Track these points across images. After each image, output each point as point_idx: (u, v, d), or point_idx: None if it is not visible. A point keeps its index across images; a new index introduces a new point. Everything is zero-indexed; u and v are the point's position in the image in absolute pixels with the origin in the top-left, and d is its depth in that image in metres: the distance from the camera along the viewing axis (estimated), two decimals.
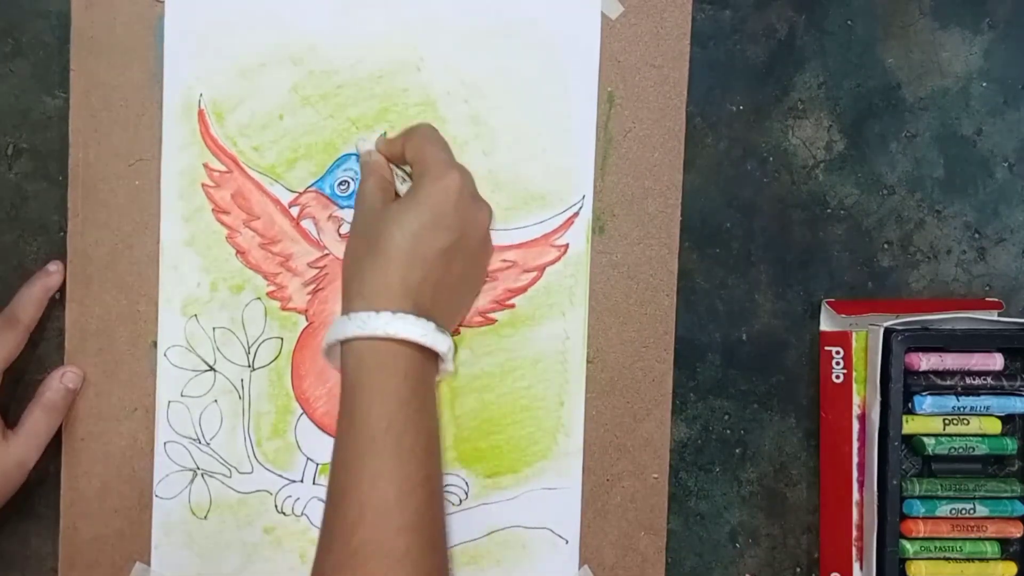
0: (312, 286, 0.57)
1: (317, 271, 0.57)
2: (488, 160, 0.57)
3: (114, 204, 0.56)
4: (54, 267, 0.56)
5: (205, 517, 0.57)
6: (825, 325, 0.59)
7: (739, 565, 0.60)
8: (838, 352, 0.59)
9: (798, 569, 0.60)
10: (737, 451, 0.60)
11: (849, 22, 0.59)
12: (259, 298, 0.57)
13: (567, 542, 0.58)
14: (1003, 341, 0.58)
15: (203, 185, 0.57)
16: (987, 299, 0.60)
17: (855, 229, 0.60)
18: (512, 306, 0.58)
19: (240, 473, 0.57)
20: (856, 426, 0.59)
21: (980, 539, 0.58)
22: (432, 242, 0.51)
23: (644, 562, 0.58)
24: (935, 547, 0.58)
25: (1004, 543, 0.58)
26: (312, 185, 0.57)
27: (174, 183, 0.57)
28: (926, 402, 0.57)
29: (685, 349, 0.59)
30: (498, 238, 0.58)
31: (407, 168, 0.55)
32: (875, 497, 0.57)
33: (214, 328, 0.57)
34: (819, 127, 0.59)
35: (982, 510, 0.58)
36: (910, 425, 0.57)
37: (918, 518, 0.57)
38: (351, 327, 0.50)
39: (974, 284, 0.60)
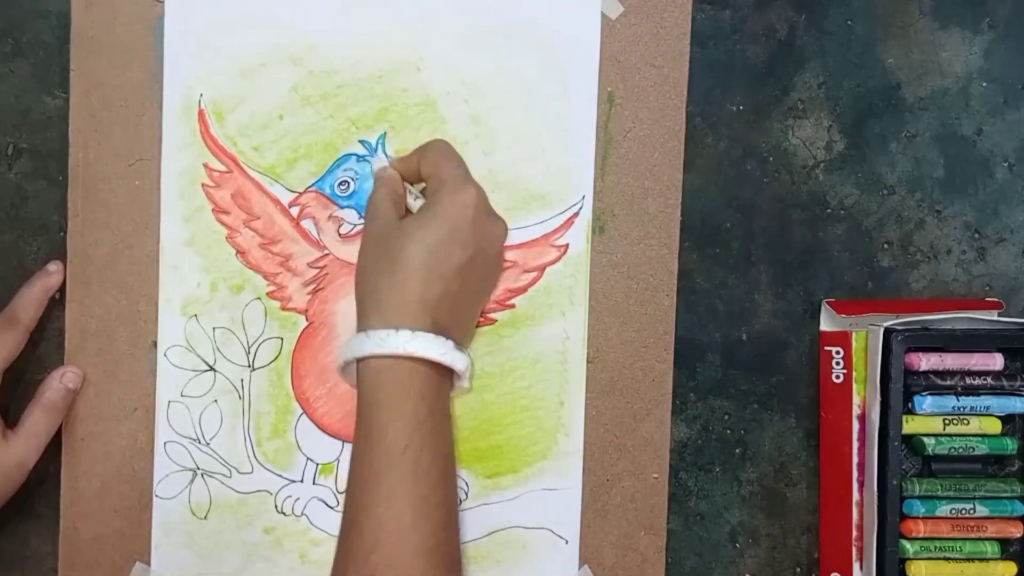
0: (312, 286, 0.57)
1: (317, 271, 0.57)
2: (488, 160, 0.57)
3: (114, 204, 0.56)
4: (54, 267, 0.56)
5: (205, 517, 0.57)
6: (825, 325, 0.59)
7: (739, 565, 0.60)
8: (838, 352, 0.59)
9: (798, 569, 0.60)
10: (737, 451, 0.60)
11: (849, 22, 0.59)
12: (259, 298, 0.57)
13: (567, 542, 0.58)
14: (1003, 341, 0.58)
15: (203, 185, 0.57)
16: (987, 299, 0.60)
17: (855, 229, 0.60)
18: (512, 306, 0.58)
19: (240, 473, 0.57)
20: (856, 426, 0.59)
21: (980, 539, 0.58)
22: (449, 258, 0.50)
23: (644, 562, 0.58)
24: (935, 547, 0.58)
25: (1004, 543, 0.58)
26: (312, 185, 0.57)
27: (174, 183, 0.57)
28: (926, 402, 0.57)
29: (685, 349, 0.59)
30: None
31: (420, 186, 0.55)
32: (875, 497, 0.57)
33: (214, 328, 0.57)
34: (819, 127, 0.59)
35: (982, 510, 0.58)
36: (910, 425, 0.57)
37: (918, 518, 0.57)
38: (369, 345, 0.49)
39: (974, 284, 0.60)
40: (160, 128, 0.56)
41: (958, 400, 0.58)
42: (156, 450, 0.57)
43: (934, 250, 0.60)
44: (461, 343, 0.52)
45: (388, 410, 0.49)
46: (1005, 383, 0.58)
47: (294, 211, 0.57)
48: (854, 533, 0.59)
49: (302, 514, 0.57)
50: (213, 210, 0.57)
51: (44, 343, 0.57)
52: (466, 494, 0.58)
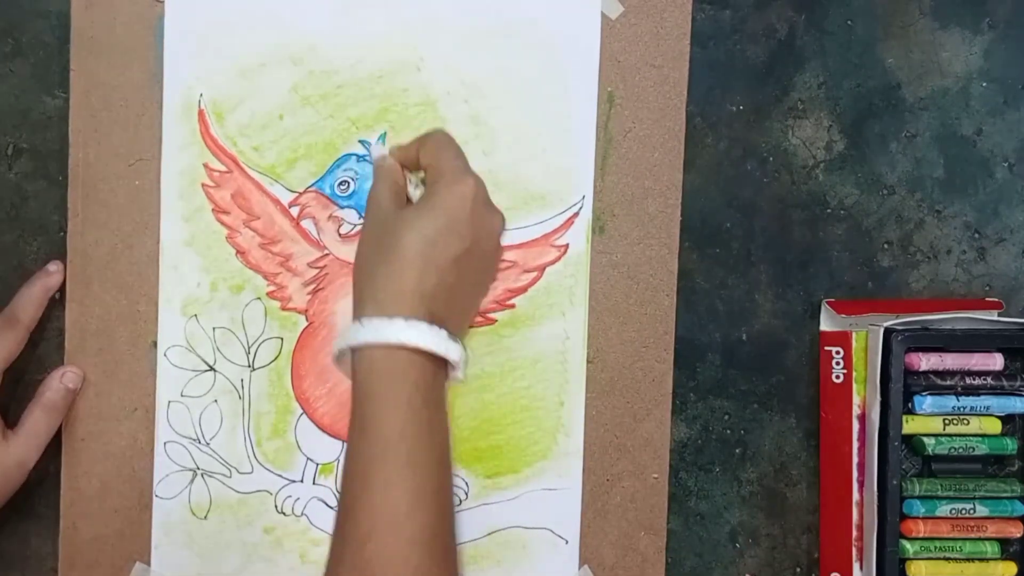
0: (312, 286, 0.57)
1: (317, 271, 0.57)
2: (488, 160, 0.57)
3: (114, 204, 0.56)
4: (54, 267, 0.56)
5: (205, 517, 0.57)
6: (825, 325, 0.59)
7: (739, 565, 0.60)
8: (838, 352, 0.59)
9: (798, 569, 0.60)
10: (737, 451, 0.60)
11: (849, 22, 0.59)
12: (259, 298, 0.57)
13: (567, 542, 0.58)
14: (1003, 341, 0.58)
15: (203, 185, 0.57)
16: (987, 299, 0.60)
17: (855, 229, 0.60)
18: (512, 306, 0.58)
19: (240, 473, 0.57)
20: (856, 426, 0.59)
21: (980, 539, 0.58)
22: (447, 248, 0.50)
23: (644, 562, 0.58)
24: (935, 547, 0.58)
25: (1004, 543, 0.58)
26: (312, 185, 0.57)
27: (174, 183, 0.57)
28: (926, 402, 0.57)
29: (685, 349, 0.59)
30: None
31: (420, 174, 0.55)
32: (875, 497, 0.57)
33: (214, 328, 0.57)
34: (819, 127, 0.59)
35: (982, 510, 0.58)
36: (910, 425, 0.57)
37: (918, 518, 0.58)
38: (363, 334, 0.49)
39: (974, 284, 0.60)
40: (160, 128, 0.56)
41: (958, 400, 0.58)
42: (156, 450, 0.57)
43: (934, 250, 0.60)
44: (457, 334, 0.52)
45: (382, 399, 0.49)
46: (1005, 383, 0.58)
47: (294, 211, 0.57)
48: (854, 533, 0.59)
49: (302, 514, 0.57)
50: (213, 210, 0.57)
51: (44, 343, 0.57)
52: (466, 494, 0.58)
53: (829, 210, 0.60)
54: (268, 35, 0.57)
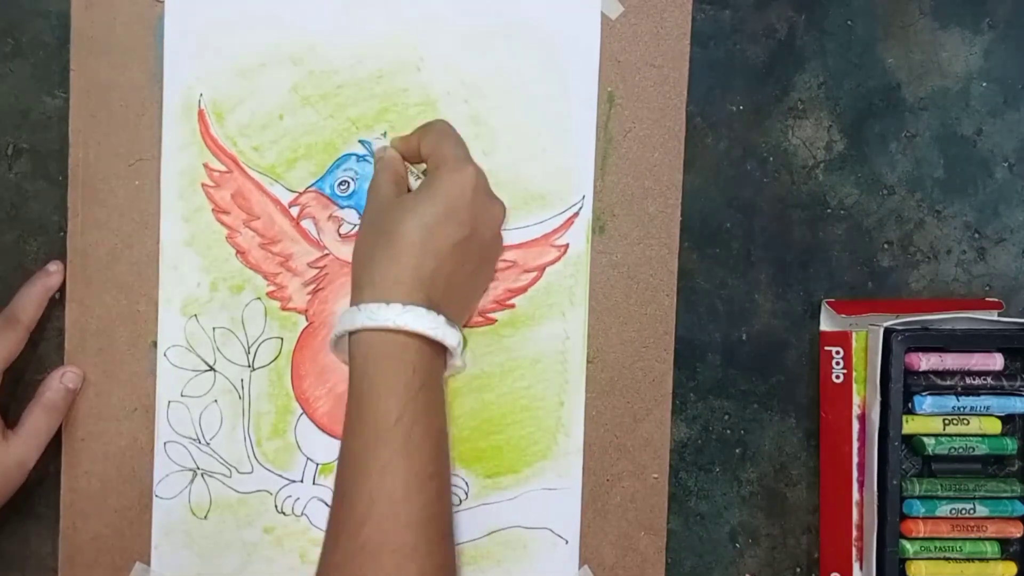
0: (312, 286, 0.57)
1: (317, 271, 0.57)
2: (488, 160, 0.57)
3: (114, 204, 0.56)
4: (54, 267, 0.56)
5: (205, 517, 0.57)
6: (825, 325, 0.59)
7: (739, 565, 0.60)
8: (838, 352, 0.59)
9: (798, 569, 0.60)
10: (737, 451, 0.60)
11: (849, 22, 0.59)
12: (259, 298, 0.57)
13: (567, 542, 0.58)
14: (1003, 341, 0.58)
15: (203, 185, 0.57)
16: (987, 299, 0.60)
17: (855, 229, 0.60)
18: (512, 306, 0.58)
19: (240, 473, 0.57)
20: (856, 426, 0.59)
21: (980, 539, 0.58)
22: (445, 235, 0.51)
23: (644, 562, 0.58)
24: (935, 547, 0.58)
25: (1004, 543, 0.58)
26: (312, 185, 0.57)
27: (174, 183, 0.57)
28: (926, 402, 0.57)
29: (685, 349, 0.59)
30: None
31: (421, 167, 0.55)
32: (875, 497, 0.57)
33: (214, 328, 0.57)
34: (819, 127, 0.59)
35: (982, 510, 0.58)
36: (910, 425, 0.57)
37: (918, 518, 0.57)
38: (360, 318, 0.49)
39: (974, 284, 0.60)
40: (160, 128, 0.56)
41: (958, 400, 0.58)
42: (156, 450, 0.57)
43: (934, 250, 0.60)
44: (456, 321, 0.52)
45: (379, 384, 0.49)
46: (1005, 383, 0.58)
47: (294, 211, 0.57)
48: (854, 533, 0.59)
49: (302, 514, 0.57)
50: (213, 210, 0.57)
51: (44, 343, 0.57)
52: (466, 494, 0.58)
53: (829, 210, 0.60)
54: (268, 35, 0.57)
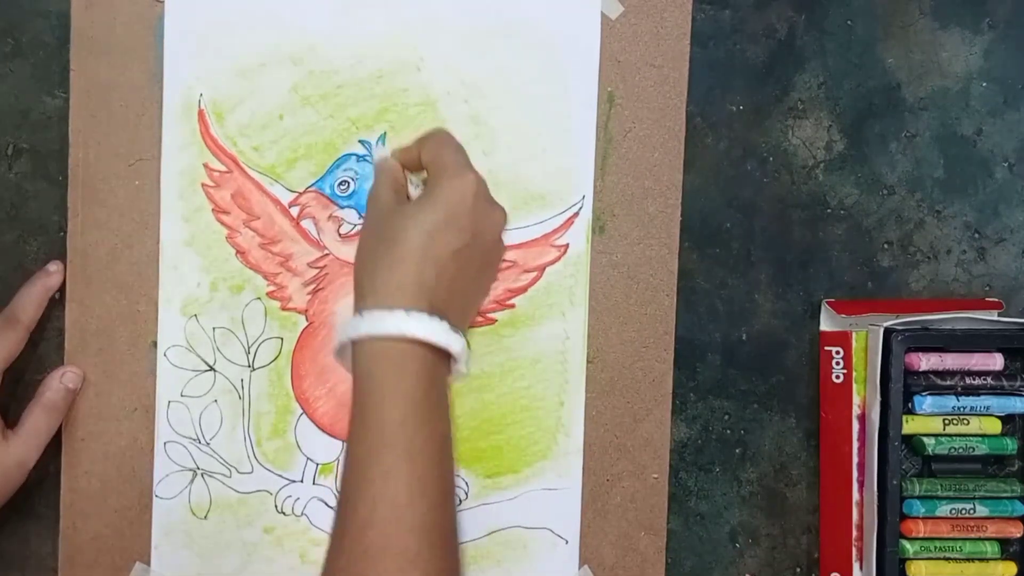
0: (312, 286, 0.57)
1: (317, 271, 0.57)
2: (488, 160, 0.57)
3: (114, 204, 0.56)
4: (54, 267, 0.56)
5: (205, 517, 0.57)
6: (825, 325, 0.59)
7: (739, 565, 0.60)
8: (838, 352, 0.59)
9: (798, 569, 0.60)
10: (737, 451, 0.60)
11: (849, 22, 0.59)
12: (259, 298, 0.57)
13: (567, 542, 0.58)
14: (1003, 341, 0.58)
15: (203, 185, 0.57)
16: (987, 299, 0.60)
17: (855, 229, 0.60)
18: (512, 306, 0.58)
19: (240, 473, 0.57)
20: (856, 426, 0.59)
21: (980, 539, 0.58)
22: (447, 241, 0.51)
23: (644, 562, 0.58)
24: (935, 547, 0.58)
25: (1004, 543, 0.58)
26: (312, 185, 0.57)
27: (174, 183, 0.57)
28: (926, 402, 0.57)
29: (685, 349, 0.59)
30: None
31: (421, 175, 0.55)
32: (875, 497, 0.57)
33: (214, 328, 0.57)
34: (819, 127, 0.59)
35: (982, 510, 0.58)
36: (910, 425, 0.57)
37: (918, 518, 0.58)
38: (363, 326, 0.49)
39: (974, 284, 0.60)
40: (160, 128, 0.56)
41: (958, 400, 0.58)
42: (156, 450, 0.57)
43: (934, 250, 0.60)
44: (459, 327, 0.52)
45: (383, 391, 0.49)
46: (1005, 383, 0.58)
47: (294, 211, 0.57)
48: (854, 533, 0.59)
49: (302, 514, 0.57)
50: (213, 210, 0.57)
51: (44, 343, 0.57)
52: (466, 494, 0.58)
53: (829, 210, 0.60)
54: (268, 35, 0.57)
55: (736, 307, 0.59)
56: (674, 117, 0.58)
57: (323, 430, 0.57)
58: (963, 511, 0.58)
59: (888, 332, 0.57)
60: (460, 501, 0.58)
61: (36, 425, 0.54)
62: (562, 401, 0.58)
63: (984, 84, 0.60)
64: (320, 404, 0.57)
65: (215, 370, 0.57)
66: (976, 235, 0.60)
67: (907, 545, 0.57)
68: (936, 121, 0.60)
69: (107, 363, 0.56)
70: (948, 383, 0.58)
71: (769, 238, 0.59)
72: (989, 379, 0.58)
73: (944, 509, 0.58)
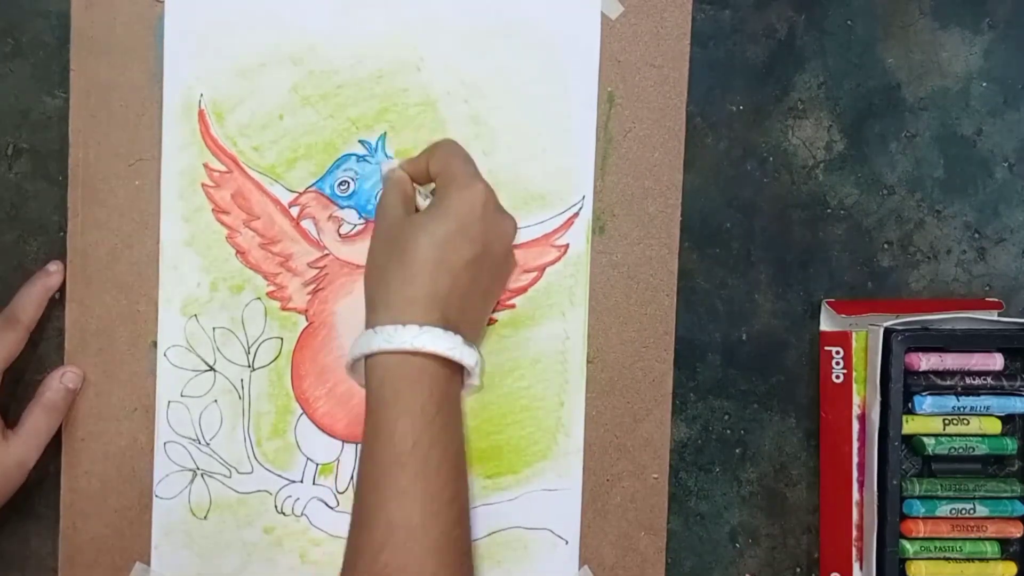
0: (312, 286, 0.57)
1: (317, 271, 0.57)
2: (488, 160, 0.57)
3: (114, 204, 0.56)
4: (54, 267, 0.56)
5: (205, 517, 0.57)
6: (825, 325, 0.59)
7: (739, 565, 0.60)
8: (838, 352, 0.59)
9: (798, 569, 0.60)
10: (737, 451, 0.60)
11: (849, 22, 0.59)
12: (259, 298, 0.57)
13: (567, 542, 0.58)
14: (1003, 341, 0.58)
15: (203, 185, 0.57)
16: (987, 299, 0.60)
17: (855, 229, 0.60)
18: (512, 306, 0.58)
19: (240, 473, 0.57)
20: (856, 426, 0.59)
21: (980, 539, 0.58)
22: (458, 252, 0.50)
23: (644, 562, 0.58)
24: (935, 547, 0.58)
25: (1004, 543, 0.58)
26: (312, 185, 0.57)
27: (174, 183, 0.57)
28: (926, 402, 0.57)
29: (685, 349, 0.59)
30: None
31: (429, 187, 0.55)
32: (875, 497, 0.57)
33: (214, 328, 0.57)
34: (819, 127, 0.59)
35: (982, 510, 0.58)
36: (910, 425, 0.57)
37: (918, 518, 0.57)
38: (377, 341, 0.49)
39: (974, 284, 0.60)
40: (160, 128, 0.56)
41: (958, 400, 0.58)
42: (156, 450, 0.57)
43: (934, 250, 0.60)
44: (471, 340, 0.51)
45: (396, 407, 0.48)
46: (1005, 383, 0.58)
47: (294, 211, 0.57)
48: (854, 533, 0.59)
49: (302, 514, 0.57)
50: (213, 210, 0.57)
51: (44, 343, 0.57)
52: None
53: (829, 210, 0.60)
54: (268, 35, 0.57)
55: (736, 307, 0.59)
56: (674, 117, 0.58)
57: (323, 430, 0.57)
58: (963, 511, 0.58)
59: (888, 332, 0.57)
60: None
61: (36, 425, 0.54)
62: (562, 401, 0.58)
63: (984, 84, 0.60)
64: (320, 404, 0.57)
65: (215, 370, 0.57)
66: (976, 235, 0.60)
67: (907, 545, 0.57)
68: (936, 121, 0.60)
69: (107, 363, 0.56)
70: (948, 383, 0.58)
71: (769, 238, 0.59)
72: (989, 379, 0.58)
73: (944, 509, 0.58)
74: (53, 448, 0.56)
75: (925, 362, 0.57)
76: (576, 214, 0.58)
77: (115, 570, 0.57)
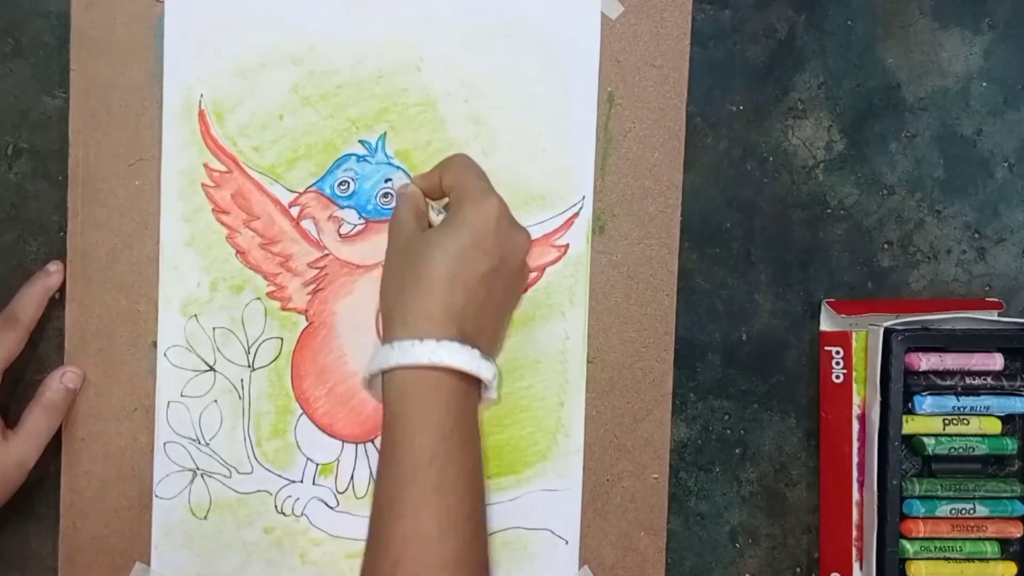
0: (312, 286, 0.57)
1: (317, 271, 0.57)
2: (488, 160, 0.57)
3: (114, 204, 0.56)
4: (54, 267, 0.56)
5: (205, 517, 0.57)
6: (825, 325, 0.59)
7: (739, 565, 0.60)
8: (838, 352, 0.59)
9: (798, 569, 0.60)
10: (737, 451, 0.60)
11: (849, 22, 0.59)
12: (259, 298, 0.57)
13: (567, 543, 0.58)
14: (1003, 341, 0.58)
15: (203, 185, 0.57)
16: (987, 299, 0.60)
17: (855, 229, 0.60)
18: None
19: (240, 473, 0.57)
20: (856, 426, 0.59)
21: (980, 539, 0.58)
22: (474, 266, 0.50)
23: (644, 562, 0.58)
24: (935, 547, 0.58)
25: (1004, 543, 0.58)
26: (312, 185, 0.57)
27: (174, 183, 0.57)
28: (926, 402, 0.57)
29: (685, 349, 0.59)
30: None
31: (442, 202, 0.55)
32: (875, 497, 0.57)
33: (214, 328, 0.57)
34: (819, 127, 0.59)
35: (982, 510, 0.58)
36: (910, 425, 0.57)
37: (918, 518, 0.57)
38: (394, 356, 0.49)
39: (974, 284, 0.60)
40: (160, 128, 0.56)
41: (958, 400, 0.58)
42: (156, 450, 0.57)
43: (934, 250, 0.60)
44: (488, 353, 0.51)
45: (413, 422, 0.48)
46: (1005, 383, 0.58)
47: (294, 211, 0.57)
48: (854, 533, 0.59)
49: (302, 514, 0.57)
50: (213, 210, 0.57)
51: (44, 343, 0.57)
52: None
53: (829, 210, 0.60)
54: (268, 35, 0.57)
55: (736, 307, 0.59)
56: (674, 117, 0.58)
57: (323, 430, 0.57)
58: (963, 511, 0.58)
59: (888, 332, 0.57)
60: None
61: (36, 425, 0.54)
62: (562, 401, 0.58)
63: (984, 84, 0.60)
64: (320, 404, 0.57)
65: (215, 370, 0.57)
66: (976, 235, 0.60)
67: (907, 545, 0.57)
68: (936, 121, 0.60)
69: (107, 363, 0.56)
70: (948, 383, 0.58)
71: (769, 238, 0.59)
72: (989, 379, 0.58)
73: (944, 509, 0.58)
74: (53, 448, 0.56)
75: (925, 362, 0.57)
76: (576, 214, 0.58)
77: (115, 570, 0.57)
